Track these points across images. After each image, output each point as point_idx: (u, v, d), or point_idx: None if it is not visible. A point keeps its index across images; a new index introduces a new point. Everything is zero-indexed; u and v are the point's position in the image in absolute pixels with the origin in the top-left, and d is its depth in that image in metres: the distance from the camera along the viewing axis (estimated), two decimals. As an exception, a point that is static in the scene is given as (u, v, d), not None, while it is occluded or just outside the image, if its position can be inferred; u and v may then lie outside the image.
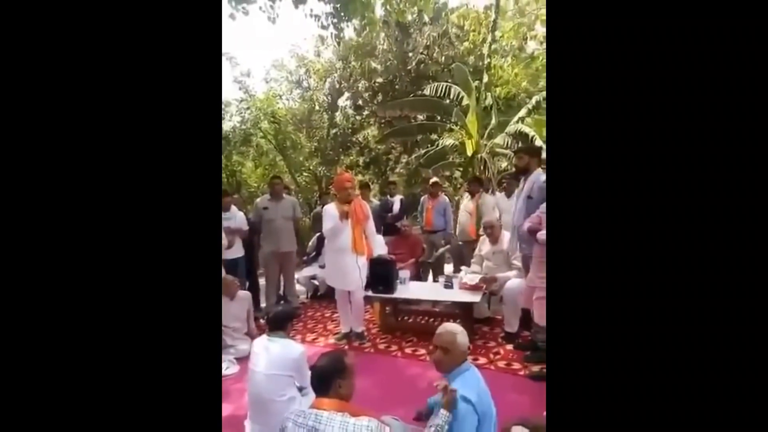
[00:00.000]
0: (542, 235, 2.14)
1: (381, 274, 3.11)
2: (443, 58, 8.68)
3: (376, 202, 4.71)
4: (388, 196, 4.66)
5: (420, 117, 7.98)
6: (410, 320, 3.52)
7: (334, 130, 9.76)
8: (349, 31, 8.88)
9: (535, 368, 2.48)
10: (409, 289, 3.35)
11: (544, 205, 2.27)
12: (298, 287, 4.25)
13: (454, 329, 1.49)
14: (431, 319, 3.48)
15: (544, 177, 2.45)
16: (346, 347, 3.06)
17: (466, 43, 8.71)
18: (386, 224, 4.35)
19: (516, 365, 2.60)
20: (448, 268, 4.38)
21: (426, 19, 8.75)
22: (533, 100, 6.13)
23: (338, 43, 6.50)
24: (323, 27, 4.10)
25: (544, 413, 1.42)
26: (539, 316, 2.33)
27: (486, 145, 6.54)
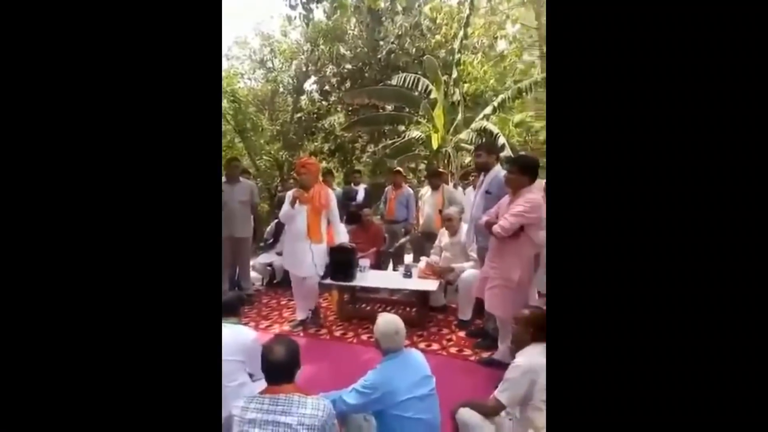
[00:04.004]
0: (497, 227, 2.22)
1: (341, 262, 3.10)
2: (414, 49, 8.67)
3: (339, 190, 4.66)
4: (352, 185, 4.63)
5: (388, 107, 7.95)
6: (368, 308, 3.56)
7: (298, 115, 9.48)
8: (318, 13, 8.60)
9: (485, 354, 2.60)
10: (368, 278, 3.37)
11: (504, 200, 2.36)
12: (253, 274, 4.13)
13: (381, 319, 1.57)
14: (389, 307, 3.53)
15: (502, 173, 2.55)
16: (302, 334, 3.04)
17: (437, 37, 8.75)
18: (349, 213, 4.33)
19: (467, 351, 2.71)
20: (409, 258, 4.45)
21: (399, 8, 8.67)
22: (499, 99, 6.31)
23: (307, 25, 6.29)
24: (291, 7, 3.95)
25: (491, 395, 1.50)
26: (490, 305, 2.44)
27: (451, 139, 6.67)
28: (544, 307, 1.85)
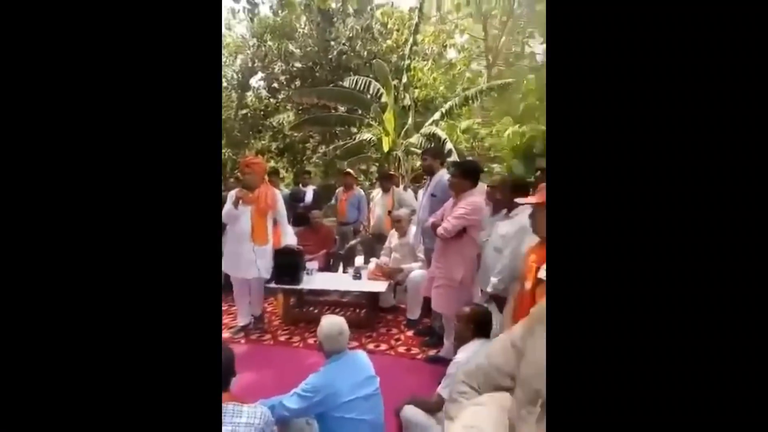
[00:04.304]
0: (441, 229, 2.30)
1: (286, 265, 3.01)
2: (366, 52, 8.71)
3: (286, 191, 4.53)
4: (301, 185, 4.52)
5: (341, 108, 7.92)
6: (316, 311, 3.49)
7: (243, 111, 9.08)
8: (264, 9, 8.32)
9: (431, 352, 2.67)
10: (316, 280, 3.31)
11: (448, 202, 2.45)
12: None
13: (325, 321, 1.57)
14: (338, 309, 3.49)
15: (447, 176, 2.64)
16: (243, 341, 2.90)
17: (389, 41, 8.88)
18: (297, 214, 4.22)
19: (415, 350, 2.76)
20: (360, 259, 4.45)
21: (350, 10, 8.67)
22: (447, 105, 6.54)
23: (251, 20, 6.05)
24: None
25: (435, 392, 1.54)
26: (436, 304, 2.51)
27: (402, 143, 6.79)
28: (486, 305, 1.94)
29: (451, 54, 9.77)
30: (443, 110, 6.55)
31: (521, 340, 0.48)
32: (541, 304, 0.49)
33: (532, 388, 0.40)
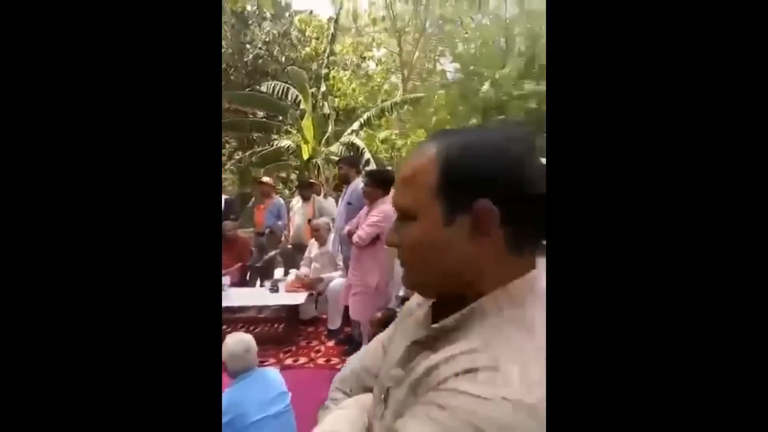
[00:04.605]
0: (356, 237, 2.35)
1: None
2: (284, 58, 8.51)
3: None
4: (212, 195, 4.20)
5: (259, 113, 7.57)
6: (230, 330, 3.26)
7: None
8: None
9: (351, 360, 2.69)
10: (230, 297, 3.10)
11: (363, 210, 2.51)
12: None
13: (230, 339, 1.52)
14: (253, 327, 3.32)
15: (361, 185, 2.72)
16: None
17: (308, 49, 8.80)
18: (208, 226, 3.91)
19: (335, 360, 2.75)
20: (280, 271, 4.28)
21: (267, 14, 8.40)
22: (365, 116, 6.70)
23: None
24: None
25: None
26: (353, 311, 2.54)
27: (323, 151, 6.76)
28: (397, 309, 2.03)
29: (370, 66, 10.05)
30: (362, 120, 6.69)
31: (388, 340, 0.49)
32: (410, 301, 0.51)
33: (382, 385, 0.41)
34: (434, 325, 0.41)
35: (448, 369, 0.36)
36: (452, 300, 0.41)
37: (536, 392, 0.32)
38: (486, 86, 7.32)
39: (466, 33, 8.99)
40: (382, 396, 0.41)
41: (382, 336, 0.52)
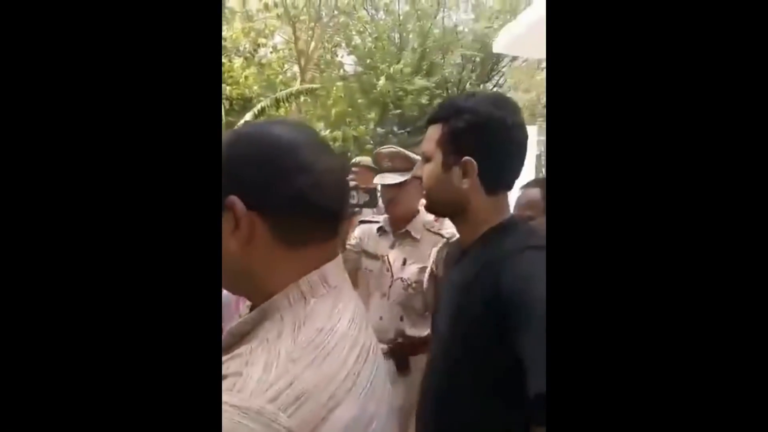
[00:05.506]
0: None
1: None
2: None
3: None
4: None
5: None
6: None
7: None
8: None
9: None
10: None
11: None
12: None
13: None
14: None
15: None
16: None
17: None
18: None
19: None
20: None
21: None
22: (258, 106, 6.32)
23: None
24: None
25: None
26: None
27: (212, 144, 6.18)
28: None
29: (264, 53, 9.49)
30: (256, 110, 6.30)
31: None
32: None
33: None
34: (231, 326, 0.40)
35: None
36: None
37: (267, 395, 0.31)
38: (382, 80, 7.52)
39: (361, 27, 9.08)
40: None
41: None
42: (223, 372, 0.34)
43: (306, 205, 0.39)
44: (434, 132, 0.68)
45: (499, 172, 0.66)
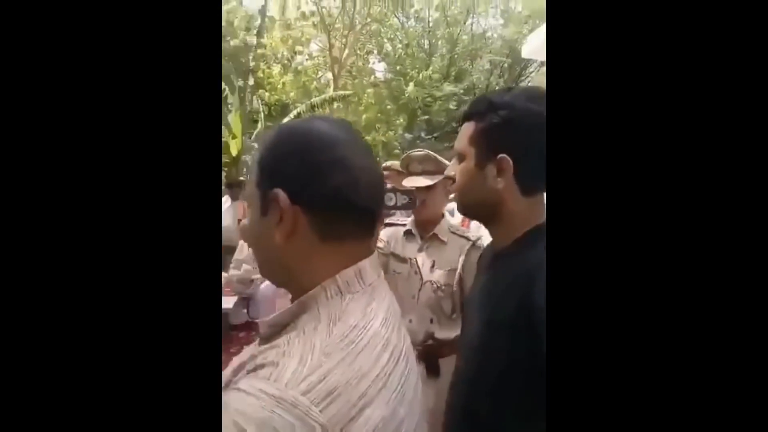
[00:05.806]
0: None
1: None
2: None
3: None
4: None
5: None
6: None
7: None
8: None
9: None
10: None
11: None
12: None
13: None
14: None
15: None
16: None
17: (236, 41, 8.40)
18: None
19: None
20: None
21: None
22: (294, 113, 6.68)
23: None
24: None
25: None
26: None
27: (253, 147, 6.61)
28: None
29: (301, 60, 9.89)
30: (292, 116, 6.67)
31: None
32: None
33: None
34: (266, 320, 0.41)
35: (249, 366, 0.36)
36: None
37: (301, 387, 0.31)
38: (411, 86, 7.69)
39: (392, 34, 9.30)
40: None
41: None
42: (261, 361, 0.34)
43: (343, 202, 0.39)
44: (468, 129, 0.64)
45: (536, 172, 0.59)
